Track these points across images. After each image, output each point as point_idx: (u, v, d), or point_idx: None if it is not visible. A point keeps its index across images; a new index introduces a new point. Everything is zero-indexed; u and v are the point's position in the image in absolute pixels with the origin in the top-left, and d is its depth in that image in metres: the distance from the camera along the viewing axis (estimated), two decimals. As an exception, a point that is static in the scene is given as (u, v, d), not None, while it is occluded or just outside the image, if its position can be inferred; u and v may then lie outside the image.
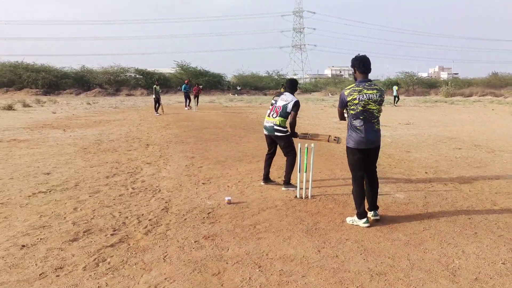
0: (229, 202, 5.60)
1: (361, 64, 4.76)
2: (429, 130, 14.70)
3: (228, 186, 6.56)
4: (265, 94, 60.56)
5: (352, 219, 4.84)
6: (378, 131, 4.85)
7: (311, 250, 4.06)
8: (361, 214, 4.76)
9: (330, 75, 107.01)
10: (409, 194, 6.09)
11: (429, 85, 65.18)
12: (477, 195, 6.07)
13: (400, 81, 64.75)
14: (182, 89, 27.14)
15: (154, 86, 22.44)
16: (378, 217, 4.94)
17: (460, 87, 58.80)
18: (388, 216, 5.08)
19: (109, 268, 3.65)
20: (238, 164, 8.32)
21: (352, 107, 4.73)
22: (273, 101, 6.45)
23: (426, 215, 5.10)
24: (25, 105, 27.11)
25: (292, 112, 6.17)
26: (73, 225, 4.73)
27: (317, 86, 71.73)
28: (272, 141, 6.49)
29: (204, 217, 5.04)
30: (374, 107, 4.73)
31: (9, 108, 23.84)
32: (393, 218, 5.02)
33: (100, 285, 3.33)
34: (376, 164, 5.10)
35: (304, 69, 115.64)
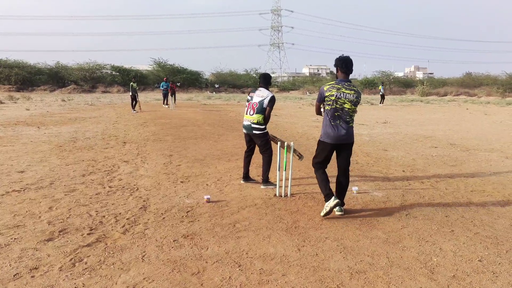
0: (208, 201, 5.56)
1: (343, 65, 4.97)
2: (406, 129, 14.90)
3: (207, 185, 6.51)
4: (243, 92, 60.49)
5: (324, 206, 4.97)
6: (350, 129, 5.01)
7: (291, 248, 4.05)
8: (327, 196, 4.95)
9: (308, 74, 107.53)
10: (387, 192, 6.14)
11: (405, 85, 66.13)
12: (453, 193, 6.17)
13: (377, 80, 65.52)
14: (160, 87, 26.88)
15: (131, 83, 22.17)
16: (342, 212, 5.09)
17: (435, 86, 59.83)
18: (366, 214, 5.12)
19: (86, 268, 3.57)
20: (217, 162, 8.27)
21: (329, 102, 4.94)
22: (249, 97, 6.40)
23: (404, 213, 5.15)
24: (-2, 102, 26.47)
25: (267, 108, 6.15)
26: (49, 224, 4.62)
27: (295, 84, 71.95)
28: (251, 139, 6.46)
29: (183, 216, 4.99)
30: (350, 107, 4.92)
31: (-19, 104, 23.22)
32: (372, 216, 5.05)
33: (77, 286, 3.25)
34: (351, 161, 5.22)
35: (282, 67, 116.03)
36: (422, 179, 7.01)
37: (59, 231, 4.41)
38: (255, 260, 3.77)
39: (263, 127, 6.23)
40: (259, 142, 6.30)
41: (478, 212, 5.26)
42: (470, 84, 59.52)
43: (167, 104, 26.10)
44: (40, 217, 4.87)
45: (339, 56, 5.05)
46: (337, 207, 5.03)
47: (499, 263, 3.75)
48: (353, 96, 4.90)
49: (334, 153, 5.16)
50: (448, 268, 3.64)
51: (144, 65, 64.24)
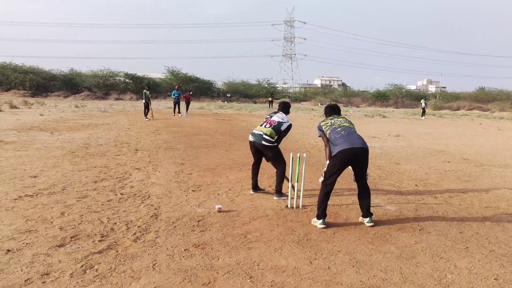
0: (220, 210, 5.54)
1: (331, 110, 5.75)
2: (418, 143, 14.78)
3: (218, 194, 6.50)
4: (255, 102, 60.65)
5: (313, 220, 5.20)
6: (361, 138, 5.24)
7: (302, 261, 4.01)
8: (320, 217, 5.07)
9: (319, 85, 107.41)
10: (400, 206, 6.08)
11: (418, 98, 65.75)
12: (467, 209, 6.08)
13: (389, 93, 65.30)
14: (172, 95, 26.94)
15: (144, 91, 22.28)
16: (373, 223, 5.15)
17: (448, 100, 59.44)
18: (379, 228, 5.06)
19: (96, 276, 3.56)
20: (229, 172, 8.26)
21: (326, 129, 5.38)
22: (268, 116, 6.50)
23: (417, 228, 5.09)
24: (12, 107, 26.78)
25: (283, 133, 6.33)
26: (60, 230, 4.63)
27: (306, 95, 71.92)
28: (257, 150, 6.44)
29: (194, 225, 4.97)
30: (348, 125, 5.40)
31: (-4, 109, 23.50)
32: (385, 230, 4.99)
33: (87, 293, 3.25)
34: (365, 173, 5.26)
35: (294, 78, 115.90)
36: (435, 194, 6.93)
37: (71, 237, 4.42)
38: (266, 272, 3.73)
39: (273, 140, 6.22)
40: (271, 154, 6.28)
41: (493, 229, 5.17)
42: (483, 99, 59.06)
43: (179, 112, 26.16)
44: (52, 222, 4.88)
45: (327, 105, 6.02)
46: (368, 219, 5.16)
47: (516, 282, 3.67)
48: (345, 120, 5.49)
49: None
50: (463, 285, 3.57)
51: (157, 73, 64.74)
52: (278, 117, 6.37)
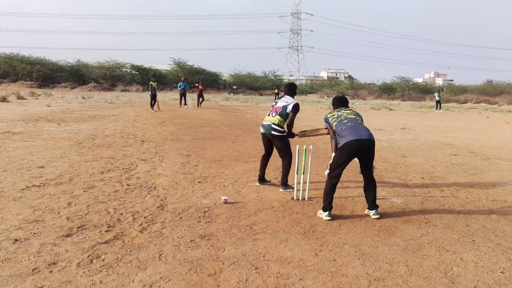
0: (226, 202, 5.55)
1: (339, 102, 5.77)
2: (425, 136, 14.72)
3: (224, 186, 6.51)
4: (261, 94, 60.62)
5: (319, 212, 5.21)
6: (368, 129, 5.24)
7: (308, 253, 4.01)
8: (326, 208, 5.08)
9: (326, 78, 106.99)
10: (406, 199, 6.06)
11: (424, 91, 65.42)
12: (474, 202, 6.06)
13: (396, 86, 64.97)
14: (178, 87, 26.92)
15: (151, 82, 22.31)
16: (378, 216, 5.13)
17: (455, 93, 59.08)
18: (385, 220, 5.05)
19: (103, 265, 3.59)
20: (234, 164, 8.27)
21: (333, 121, 5.39)
22: (274, 103, 6.45)
23: (423, 221, 5.07)
24: (19, 97, 26.92)
25: (291, 113, 6.17)
26: (67, 220, 4.66)
27: (313, 88, 71.81)
28: (268, 140, 6.43)
29: (200, 216, 4.98)
30: (354, 117, 5.39)
31: (3, 99, 23.62)
32: (390, 223, 4.98)
33: (94, 283, 3.27)
34: (372, 166, 5.25)
35: (301, 70, 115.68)
36: (442, 187, 6.91)
37: (78, 227, 4.44)
38: (272, 263, 3.74)
39: (282, 129, 6.20)
40: (279, 144, 6.26)
41: (499, 223, 5.15)
42: (491, 92, 58.61)
43: (185, 104, 26.16)
44: (59, 212, 4.91)
45: (335, 96, 5.99)
46: (374, 211, 5.15)
47: (522, 276, 3.66)
48: (352, 113, 5.49)
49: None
50: (469, 279, 3.57)
51: (163, 64, 64.87)
52: (282, 102, 6.32)
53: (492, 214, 5.49)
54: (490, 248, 4.28)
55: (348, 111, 5.51)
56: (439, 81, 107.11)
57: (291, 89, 6.53)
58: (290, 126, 6.25)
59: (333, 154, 5.34)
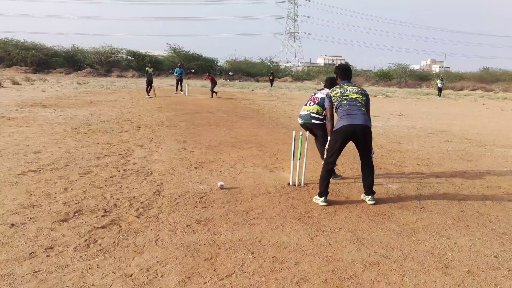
0: (222, 187, 5.57)
1: (342, 72, 5.39)
2: (421, 122, 14.75)
3: (220, 171, 6.52)
4: (258, 81, 60.43)
5: (315, 197, 5.23)
6: (365, 114, 5.09)
7: (304, 238, 4.04)
8: (322, 194, 5.08)
9: (322, 64, 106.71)
10: (401, 185, 6.09)
11: (421, 78, 65.40)
12: (469, 188, 6.10)
13: (393, 73, 64.90)
14: (174, 73, 26.80)
15: (147, 68, 22.21)
16: (374, 202, 5.15)
17: (451, 80, 59.09)
18: (380, 206, 5.08)
19: (100, 250, 3.60)
20: (231, 150, 8.27)
21: (335, 100, 5.20)
22: (313, 94, 6.49)
23: (418, 207, 5.11)
24: (14, 83, 26.74)
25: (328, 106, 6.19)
26: (64, 205, 4.66)
27: (309, 74, 71.56)
28: (310, 130, 6.41)
29: (196, 202, 5.00)
30: (357, 96, 5.14)
31: (-2, 85, 23.45)
32: (386, 208, 5.02)
33: (91, 266, 3.29)
34: (370, 151, 5.21)
35: (297, 57, 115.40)
36: (437, 173, 6.94)
37: (74, 212, 4.45)
38: (268, 248, 3.77)
39: (322, 117, 6.20)
40: (321, 132, 6.24)
41: (494, 208, 5.19)
42: (487, 79, 58.71)
43: (181, 90, 26.07)
44: (55, 197, 4.91)
45: (338, 65, 5.61)
46: (369, 197, 5.16)
47: (515, 260, 3.70)
48: (356, 89, 5.21)
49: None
50: (463, 263, 3.60)
51: (159, 50, 64.42)
52: (321, 93, 6.31)
53: (487, 200, 5.53)
54: (484, 233, 4.32)
55: (351, 87, 5.22)
56: (435, 68, 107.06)
57: (332, 83, 6.31)
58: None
59: (329, 138, 5.31)
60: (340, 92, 5.17)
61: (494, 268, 3.53)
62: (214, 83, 24.24)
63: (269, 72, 54.66)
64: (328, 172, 5.15)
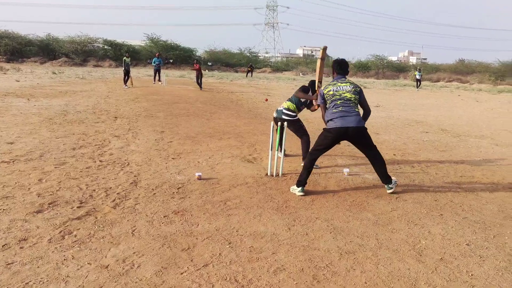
0: (200, 178, 5.55)
1: (339, 67, 5.31)
2: (398, 113, 14.93)
3: (198, 162, 6.49)
4: (236, 71, 60.19)
5: (292, 187, 5.24)
6: (357, 115, 5.09)
7: (281, 227, 4.06)
8: (300, 183, 5.10)
9: (301, 55, 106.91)
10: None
11: (399, 69, 66.11)
12: (443, 178, 6.21)
13: (371, 64, 65.45)
14: (152, 63, 26.49)
15: (124, 58, 21.88)
16: (392, 190, 5.25)
17: (428, 72, 59.86)
18: (357, 196, 5.14)
19: (75, 241, 3.56)
20: (209, 140, 8.24)
21: (328, 98, 5.18)
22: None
23: (394, 196, 5.18)
24: (-13, 72, 26.07)
25: (298, 93, 6.49)
26: (38, 196, 4.58)
27: (288, 65, 71.60)
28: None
29: (173, 192, 4.98)
30: (350, 96, 5.10)
31: (-30, 74, 22.84)
32: (362, 198, 5.08)
33: (66, 258, 3.25)
34: (372, 145, 5.29)
35: (276, 47, 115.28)
36: (413, 163, 7.05)
37: (49, 204, 4.38)
38: (245, 238, 3.78)
39: (293, 114, 6.58)
40: (292, 128, 6.62)
41: (467, 197, 5.30)
42: (463, 71, 59.62)
43: (159, 80, 25.80)
44: (29, 189, 4.83)
45: (335, 59, 5.45)
46: (387, 186, 5.24)
47: (486, 248, 3.79)
48: (348, 86, 5.15)
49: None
50: (436, 251, 3.68)
51: (137, 40, 63.46)
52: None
53: (460, 190, 5.64)
54: (457, 222, 4.41)
55: (345, 84, 5.17)
56: (413, 60, 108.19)
57: (306, 91, 6.54)
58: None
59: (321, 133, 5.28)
60: (333, 90, 5.15)
61: (466, 256, 3.61)
62: (201, 74, 23.17)
63: (248, 63, 54.27)
64: (312, 161, 5.18)
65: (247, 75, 45.91)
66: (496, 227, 4.32)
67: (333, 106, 5.09)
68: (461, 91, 34.82)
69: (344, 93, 5.10)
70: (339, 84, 5.18)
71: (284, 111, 6.49)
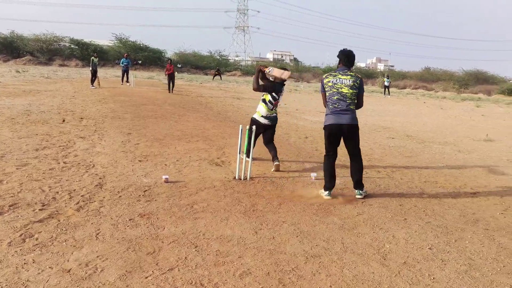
0: (167, 181, 5.49)
1: (346, 58, 5.25)
2: (365, 119, 15.15)
3: (165, 165, 6.42)
4: (206, 74, 59.87)
5: (320, 191, 5.39)
6: (352, 112, 5.20)
7: (248, 231, 4.06)
8: (326, 188, 5.29)
9: (272, 59, 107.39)
10: (344, 179, 6.23)
11: (367, 76, 67.17)
12: (408, 183, 6.33)
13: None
14: (121, 63, 26.12)
15: (92, 57, 21.50)
16: (362, 196, 5.35)
17: (395, 79, 61.09)
18: (323, 200, 5.19)
19: (36, 244, 3.46)
20: (177, 143, 8.17)
21: (327, 88, 5.25)
22: (280, 98, 6.70)
23: (360, 201, 5.25)
24: None
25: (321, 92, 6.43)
26: (-2, 198, 4.44)
27: (258, 69, 71.66)
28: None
29: (140, 195, 4.91)
30: (347, 91, 5.13)
31: None
32: (329, 202, 5.12)
33: (26, 262, 3.15)
34: (357, 148, 5.47)
35: (247, 51, 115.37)
36: (379, 168, 7.17)
37: (9, 206, 4.25)
38: (211, 242, 3.75)
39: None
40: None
41: (430, 202, 5.42)
42: (428, 79, 61.24)
43: (127, 81, 25.44)
44: (-11, 190, 4.67)
45: (342, 49, 5.31)
46: (357, 191, 5.36)
47: (448, 252, 3.89)
48: (349, 80, 5.12)
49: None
50: (399, 255, 3.74)
51: (104, 40, 62.38)
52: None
53: (424, 195, 5.76)
54: (420, 226, 4.50)
55: (345, 77, 5.13)
56: (380, 67, 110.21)
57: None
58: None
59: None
60: (332, 82, 5.18)
61: (428, 260, 3.69)
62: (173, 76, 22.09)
63: (215, 68, 53.48)
64: (328, 164, 5.36)
65: (213, 78, 45.68)
66: (457, 232, 4.43)
67: (329, 100, 5.22)
68: (427, 98, 35.70)
69: (342, 87, 5.13)
70: (339, 76, 5.16)
71: (275, 115, 6.65)
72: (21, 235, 3.61)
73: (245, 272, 3.23)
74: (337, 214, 4.72)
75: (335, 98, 5.15)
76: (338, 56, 5.31)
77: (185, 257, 3.41)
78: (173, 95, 20.36)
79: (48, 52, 54.03)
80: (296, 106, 19.07)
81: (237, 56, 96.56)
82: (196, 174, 6.02)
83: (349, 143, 5.37)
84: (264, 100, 6.49)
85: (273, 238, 3.93)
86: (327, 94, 5.26)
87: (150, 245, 3.61)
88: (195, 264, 3.31)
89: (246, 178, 5.88)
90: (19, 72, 30.81)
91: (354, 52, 5.32)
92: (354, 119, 5.22)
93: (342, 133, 5.23)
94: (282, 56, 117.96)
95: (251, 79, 56.29)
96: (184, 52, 67.40)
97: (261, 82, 6.55)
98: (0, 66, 39.21)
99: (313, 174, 6.19)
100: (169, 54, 66.18)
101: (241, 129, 5.88)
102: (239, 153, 5.91)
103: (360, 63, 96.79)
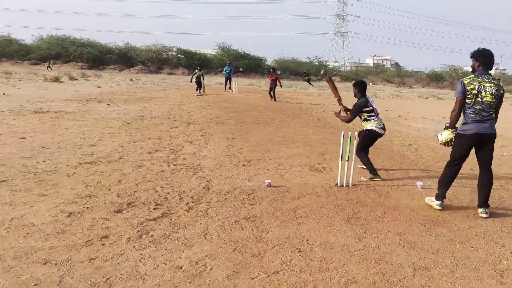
0: (269, 185, 5.60)
1: (486, 59, 4.78)
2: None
3: (268, 169, 6.55)
4: (305, 80, 59.95)
5: (431, 199, 5.10)
6: (493, 121, 4.81)
7: (352, 239, 4.01)
8: (440, 197, 4.98)
9: (371, 64, 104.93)
10: (453, 189, 5.84)
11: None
12: (526, 195, 5.85)
13: (445, 74, 63.06)
14: (224, 71, 27.09)
15: (196, 71, 22.45)
16: (487, 215, 4.81)
17: (508, 83, 56.68)
18: (431, 210, 4.96)
19: (152, 241, 3.72)
20: (278, 148, 8.29)
21: (469, 95, 4.73)
22: (373, 105, 6.44)
23: (471, 212, 4.95)
24: (71, 78, 27.85)
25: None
26: (118, 196, 4.84)
27: (358, 74, 70.48)
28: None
29: (244, 198, 5.06)
30: (491, 100, 4.70)
31: (56, 80, 24.56)
32: (437, 213, 4.89)
33: (143, 257, 3.40)
34: (491, 159, 4.97)
35: (346, 57, 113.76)
36: (495, 180, 6.68)
37: (127, 204, 4.61)
38: (315, 247, 3.76)
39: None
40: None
41: (553, 218, 4.95)
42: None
43: (230, 88, 26.30)
44: (110, 189, 5.10)
45: (481, 49, 4.84)
46: (482, 209, 4.84)
47: None
48: (493, 89, 4.69)
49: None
50: (518, 272, 3.47)
51: (208, 49, 65.22)
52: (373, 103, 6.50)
53: (545, 209, 5.28)
54: (542, 243, 4.13)
55: (489, 85, 4.70)
56: (491, 71, 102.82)
57: (364, 88, 6.68)
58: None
59: (445, 125, 5.05)
60: (477, 90, 4.68)
61: (552, 280, 3.38)
62: (275, 84, 21.54)
63: (303, 73, 52.17)
64: (448, 175, 5.01)
65: (309, 82, 45.12)
66: None
67: (470, 108, 4.74)
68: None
69: (486, 96, 4.68)
70: (484, 83, 4.70)
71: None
72: (138, 232, 3.90)
73: (350, 280, 3.20)
74: (446, 225, 4.49)
75: (478, 107, 4.70)
76: (474, 58, 4.83)
77: (290, 261, 3.46)
78: (274, 101, 20.65)
79: (157, 61, 57.78)
80: (399, 112, 18.42)
81: (336, 62, 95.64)
82: (298, 179, 6.07)
83: (485, 153, 4.90)
84: (366, 119, 6.38)
85: (378, 247, 3.85)
86: (468, 101, 4.74)
87: (255, 247, 3.71)
88: (300, 268, 3.35)
89: (348, 185, 5.81)
90: (132, 80, 33.23)
91: (492, 53, 4.83)
92: (494, 127, 4.82)
93: (481, 143, 4.81)
94: (382, 61, 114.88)
95: (350, 85, 55.44)
96: (284, 59, 68.17)
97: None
98: (116, 75, 42.58)
99: (419, 183, 5.95)
100: (269, 61, 67.36)
101: (343, 136, 5.82)
102: (341, 160, 5.86)
103: (468, 67, 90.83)
